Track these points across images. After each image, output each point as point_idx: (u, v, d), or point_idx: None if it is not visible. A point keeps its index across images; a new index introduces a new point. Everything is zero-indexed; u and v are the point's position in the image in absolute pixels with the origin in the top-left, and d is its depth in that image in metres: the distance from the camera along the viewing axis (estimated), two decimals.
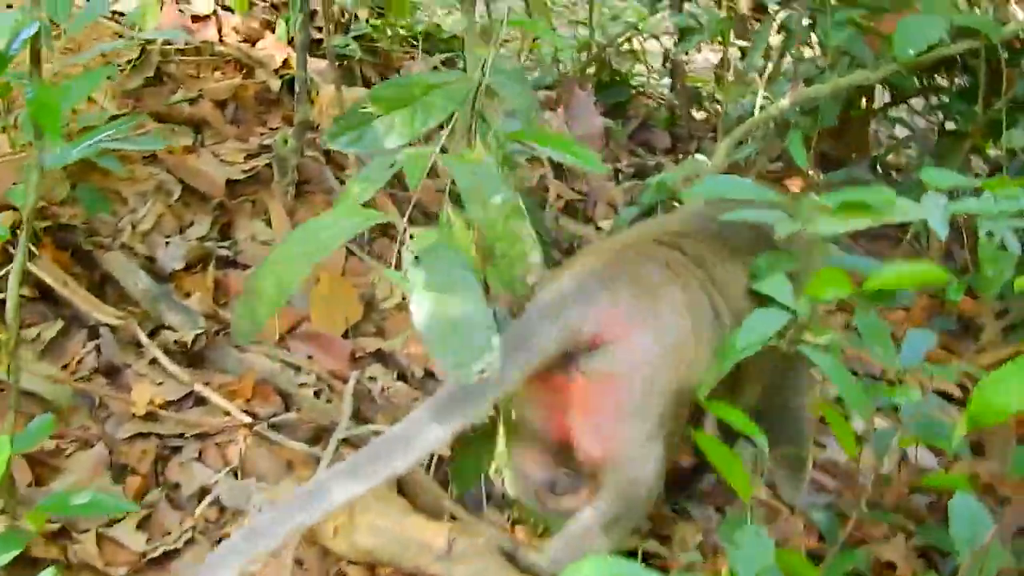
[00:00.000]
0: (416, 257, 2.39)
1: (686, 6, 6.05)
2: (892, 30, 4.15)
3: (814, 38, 5.02)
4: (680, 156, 6.06)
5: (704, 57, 7.42)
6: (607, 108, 6.34)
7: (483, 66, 2.72)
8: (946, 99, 5.10)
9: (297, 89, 3.87)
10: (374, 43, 5.16)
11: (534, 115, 3.97)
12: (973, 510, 2.40)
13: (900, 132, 6.01)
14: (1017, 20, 4.45)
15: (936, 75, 5.18)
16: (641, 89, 6.79)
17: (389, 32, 5.18)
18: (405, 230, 2.42)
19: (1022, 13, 4.71)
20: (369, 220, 2.57)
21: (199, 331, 3.40)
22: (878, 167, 5.73)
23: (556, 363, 2.55)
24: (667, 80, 6.73)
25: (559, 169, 5.14)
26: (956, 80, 5.10)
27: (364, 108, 2.62)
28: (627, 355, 2.56)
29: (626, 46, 6.92)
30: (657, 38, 6.94)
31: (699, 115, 6.55)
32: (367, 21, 5.16)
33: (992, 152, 4.86)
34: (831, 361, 2.57)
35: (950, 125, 5.09)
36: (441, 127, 2.64)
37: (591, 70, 6.39)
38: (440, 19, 6.44)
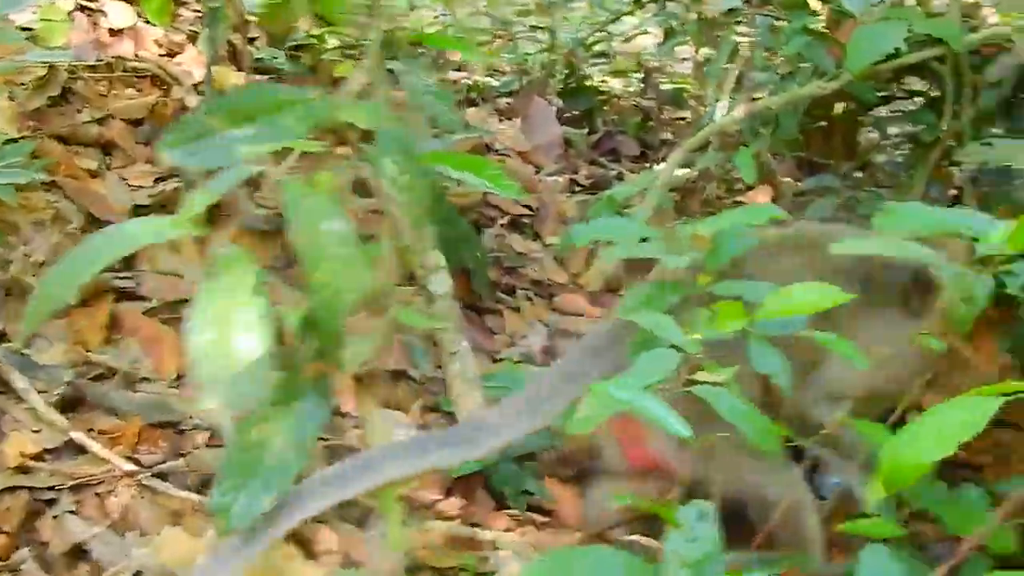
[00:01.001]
0: (208, 270, 2.19)
1: (668, 6, 5.80)
2: (848, 37, 3.93)
3: None
4: (649, 164, 5.84)
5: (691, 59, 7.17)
6: (575, 115, 6.14)
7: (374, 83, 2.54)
8: (912, 108, 4.84)
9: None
10: (319, 55, 4.93)
11: (458, 132, 3.78)
12: (885, 567, 2.20)
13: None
14: (987, 27, 4.18)
15: (901, 82, 4.96)
16: (611, 95, 6.55)
17: (330, 42, 4.94)
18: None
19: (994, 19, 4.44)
20: (171, 230, 2.31)
21: (62, 388, 3.17)
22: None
23: None
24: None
25: None
26: (931, 88, 4.89)
27: (204, 119, 2.40)
28: None
29: (597, 49, 6.72)
30: (628, 40, 6.73)
31: (682, 119, 6.35)
32: (308, 32, 4.93)
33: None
34: (730, 400, 2.34)
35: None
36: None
37: (559, 76, 6.16)
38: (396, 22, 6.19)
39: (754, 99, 4.35)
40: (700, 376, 2.47)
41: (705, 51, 5.54)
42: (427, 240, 3.04)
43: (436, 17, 7.15)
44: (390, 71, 3.45)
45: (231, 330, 2.11)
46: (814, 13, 4.46)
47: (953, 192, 4.85)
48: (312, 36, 4.85)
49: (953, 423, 1.87)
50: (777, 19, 4.64)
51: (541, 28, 6.02)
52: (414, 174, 2.76)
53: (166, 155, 2.35)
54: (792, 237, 2.98)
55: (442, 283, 3.12)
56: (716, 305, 2.50)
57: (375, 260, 2.59)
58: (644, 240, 2.84)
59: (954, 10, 4.00)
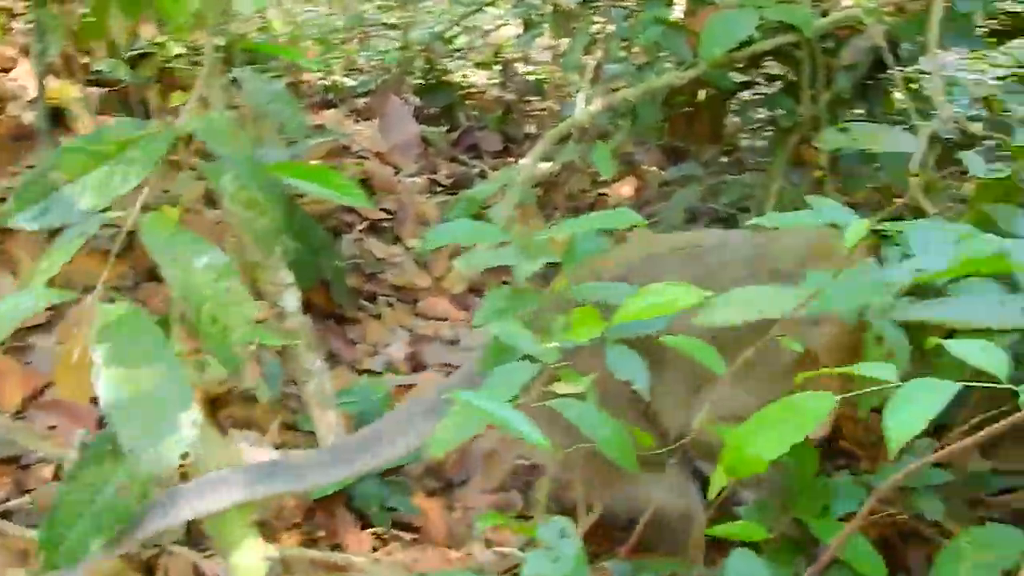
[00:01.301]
0: (100, 332, 2.18)
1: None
2: (703, 26, 3.87)
3: None
4: (512, 159, 5.74)
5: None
6: (434, 112, 6.02)
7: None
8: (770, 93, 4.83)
9: (37, 125, 3.46)
10: (166, 63, 4.75)
11: (308, 138, 3.66)
12: (751, 571, 2.17)
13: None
14: (839, 10, 4.15)
15: (761, 67, 4.94)
16: (472, 89, 6.45)
17: (175, 49, 4.76)
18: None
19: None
20: (39, 301, 2.25)
21: None
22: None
23: None
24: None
25: (364, 184, 4.78)
26: (789, 72, 4.87)
27: (47, 174, 2.32)
28: None
29: (457, 43, 6.63)
30: (488, 34, 6.63)
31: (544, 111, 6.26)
32: (150, 40, 4.73)
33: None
34: (587, 411, 2.29)
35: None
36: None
37: (417, 73, 6.04)
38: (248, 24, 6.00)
39: (613, 91, 4.26)
40: (558, 387, 2.43)
41: (565, 42, 5.47)
42: (277, 255, 2.91)
43: (293, 19, 7.00)
44: (234, 79, 3.32)
45: (146, 388, 2.10)
46: (669, 2, 4.41)
47: (817, 175, 4.85)
48: (154, 44, 4.67)
49: (792, 420, 1.90)
50: (633, 10, 4.57)
51: (396, 26, 5.88)
52: (258, 188, 2.65)
53: (14, 224, 2.32)
54: (683, 245, 2.87)
55: (293, 300, 2.99)
56: (571, 311, 2.44)
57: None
58: (501, 244, 2.75)
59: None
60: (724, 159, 5.56)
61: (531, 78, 6.57)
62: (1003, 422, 1.90)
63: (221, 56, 3.10)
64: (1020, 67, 5.16)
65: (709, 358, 2.35)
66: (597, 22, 4.89)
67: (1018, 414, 1.85)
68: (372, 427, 2.80)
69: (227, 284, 2.31)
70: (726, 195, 4.71)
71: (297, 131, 3.35)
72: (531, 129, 6.08)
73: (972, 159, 3.23)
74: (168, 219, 2.36)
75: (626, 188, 5.37)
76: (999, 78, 5.77)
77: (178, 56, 4.69)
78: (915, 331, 2.36)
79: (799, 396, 1.96)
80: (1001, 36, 4.49)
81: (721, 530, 2.42)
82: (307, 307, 3.75)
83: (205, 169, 2.79)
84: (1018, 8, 4.62)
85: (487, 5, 6.17)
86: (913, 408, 1.74)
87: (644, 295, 2.36)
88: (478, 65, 6.91)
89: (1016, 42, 4.72)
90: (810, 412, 1.90)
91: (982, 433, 1.93)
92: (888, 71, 4.17)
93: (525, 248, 2.67)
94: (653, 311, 2.35)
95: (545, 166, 4.83)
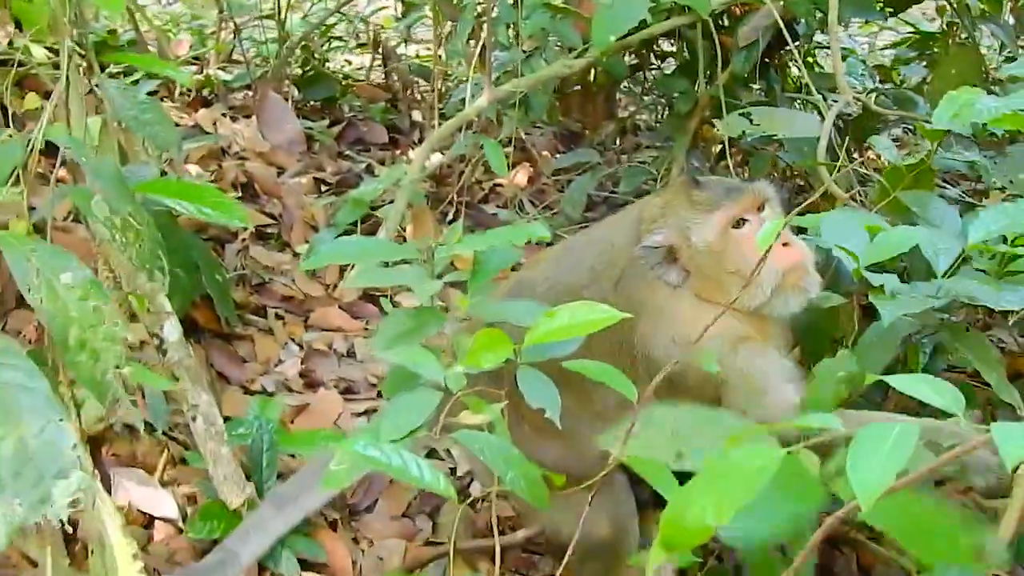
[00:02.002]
0: None
1: None
2: (592, 11, 3.71)
3: None
4: (399, 152, 5.53)
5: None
6: (316, 105, 5.78)
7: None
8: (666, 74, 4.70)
9: None
10: (22, 65, 4.43)
11: (178, 153, 3.43)
12: None
13: None
14: None
15: (653, 48, 4.81)
16: (354, 79, 6.21)
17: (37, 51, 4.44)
18: None
19: None
20: None
21: None
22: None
23: None
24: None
25: (246, 187, 4.55)
26: (683, 51, 4.75)
27: None
28: None
29: (336, 32, 6.37)
30: (366, 21, 6.39)
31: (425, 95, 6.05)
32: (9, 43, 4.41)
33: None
34: (494, 446, 2.15)
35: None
36: None
37: (295, 65, 5.79)
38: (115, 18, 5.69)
39: (501, 82, 4.07)
40: (464, 416, 2.27)
41: (447, 26, 5.28)
42: (155, 279, 2.68)
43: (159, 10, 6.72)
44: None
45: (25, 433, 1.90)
46: None
47: (716, 154, 4.74)
48: (12, 48, 4.36)
49: (735, 479, 1.68)
50: None
51: (271, 15, 5.61)
52: (129, 211, 2.45)
53: None
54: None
55: (173, 329, 2.77)
56: (478, 333, 2.27)
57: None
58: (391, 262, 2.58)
59: None
60: (619, 142, 5.42)
61: (415, 63, 6.35)
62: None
63: (83, 63, 2.87)
64: (914, 33, 5.07)
65: (620, 384, 2.21)
66: (480, 3, 4.68)
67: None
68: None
69: (94, 303, 2.12)
70: (625, 182, 4.55)
71: (169, 142, 3.12)
72: (417, 117, 5.86)
73: (882, 144, 3.14)
74: (23, 233, 2.13)
75: (520, 176, 5.20)
76: (893, 44, 5.70)
77: (41, 64, 4.39)
78: None
79: (740, 451, 1.73)
80: (895, 5, 4.38)
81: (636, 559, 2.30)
82: (191, 325, 3.55)
83: (73, 193, 2.57)
84: None
85: None
86: (876, 463, 1.56)
87: (556, 315, 2.22)
88: (360, 47, 6.67)
89: (912, 10, 4.62)
90: (755, 470, 1.68)
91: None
92: (786, 48, 4.06)
93: (425, 266, 2.50)
94: (566, 332, 2.22)
95: (436, 159, 4.65)
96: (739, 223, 2.57)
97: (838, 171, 3.21)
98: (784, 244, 2.52)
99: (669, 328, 2.57)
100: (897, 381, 1.76)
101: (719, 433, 2.04)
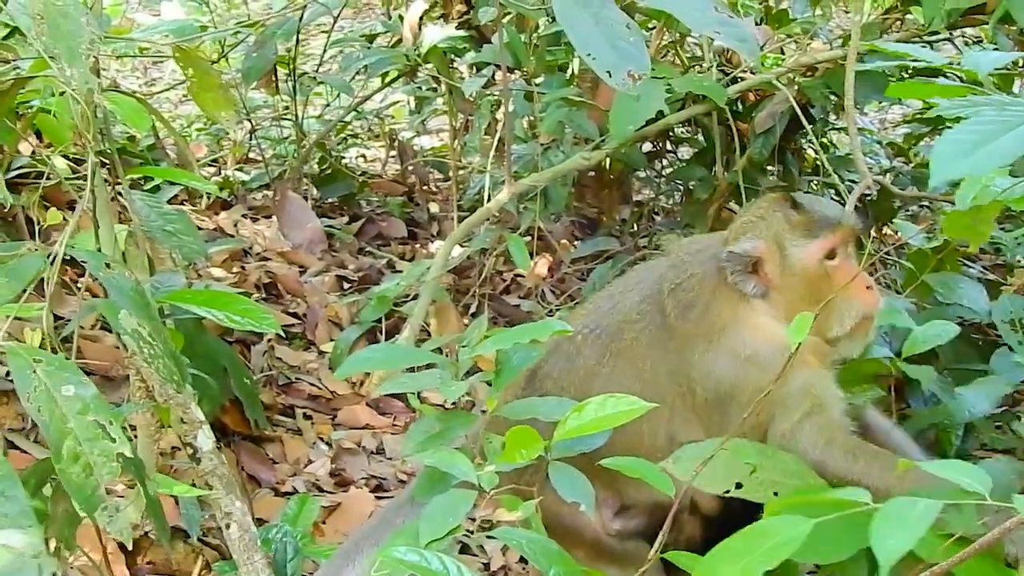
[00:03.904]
0: None
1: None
2: (608, 103, 3.75)
3: None
4: (418, 245, 5.56)
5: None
6: (334, 203, 5.82)
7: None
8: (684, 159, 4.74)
9: None
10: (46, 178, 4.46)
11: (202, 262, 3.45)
12: None
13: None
14: (752, 75, 4.05)
15: (669, 135, 4.85)
16: (370, 175, 6.25)
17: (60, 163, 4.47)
18: None
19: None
20: None
21: None
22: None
23: None
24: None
25: (269, 288, 4.58)
26: (698, 134, 4.79)
27: None
28: None
29: (350, 130, 6.44)
30: (381, 118, 6.45)
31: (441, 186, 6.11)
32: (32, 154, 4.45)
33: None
34: (535, 542, 2.17)
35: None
36: None
37: (312, 164, 5.84)
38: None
39: (517, 176, 4.10)
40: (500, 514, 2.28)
41: (461, 118, 5.33)
42: (187, 392, 2.69)
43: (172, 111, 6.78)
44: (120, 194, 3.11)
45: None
46: (570, 80, 4.29)
47: None
48: (35, 159, 4.40)
49: (761, 548, 1.77)
50: (530, 90, 4.43)
51: (285, 115, 5.66)
52: (154, 321, 2.46)
53: None
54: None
55: (206, 439, 2.77)
56: (508, 432, 2.29)
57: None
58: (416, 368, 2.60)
59: (712, 65, 3.87)
60: (636, 227, 5.44)
61: (430, 155, 6.40)
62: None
63: (107, 175, 2.91)
64: (925, 108, 5.11)
65: (658, 480, 2.24)
66: (495, 97, 4.73)
67: None
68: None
69: (93, 417, 2.10)
70: None
71: (196, 253, 3.15)
72: (435, 210, 5.90)
73: (905, 227, 3.17)
74: (34, 344, 2.15)
75: (540, 267, 5.22)
76: (904, 120, 5.74)
77: (68, 179, 4.43)
78: None
79: (768, 521, 1.83)
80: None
81: None
82: (220, 430, 3.56)
83: (101, 305, 2.59)
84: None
85: (379, 90, 5.98)
86: (899, 531, 1.67)
87: (583, 409, 2.24)
88: (374, 138, 6.73)
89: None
90: (781, 540, 1.77)
91: None
92: (802, 131, 4.09)
93: (450, 367, 2.51)
94: (597, 425, 2.23)
95: (457, 252, 4.67)
96: (831, 253, 2.60)
97: (867, 256, 3.23)
98: (868, 288, 2.58)
99: (735, 342, 2.57)
100: (930, 467, 1.87)
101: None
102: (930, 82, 2.61)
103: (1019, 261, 3.44)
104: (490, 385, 2.52)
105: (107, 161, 2.96)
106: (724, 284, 2.60)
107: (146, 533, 3.11)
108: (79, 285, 2.66)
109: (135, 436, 2.95)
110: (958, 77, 4.68)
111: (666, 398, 2.53)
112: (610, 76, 2.47)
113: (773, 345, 2.38)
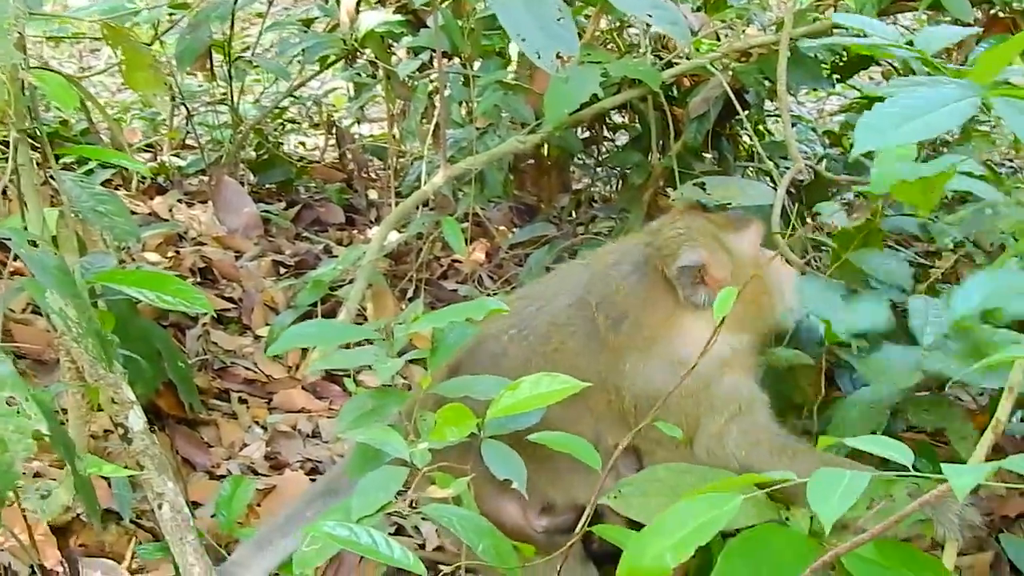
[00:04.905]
0: None
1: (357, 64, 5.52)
2: (544, 87, 3.75)
3: None
4: (356, 231, 5.55)
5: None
6: (271, 188, 5.79)
7: None
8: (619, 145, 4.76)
9: None
10: None
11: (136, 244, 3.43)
12: None
13: None
14: (680, 60, 4.07)
15: (605, 121, 4.87)
16: (308, 160, 6.23)
17: None
18: None
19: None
20: None
21: None
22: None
23: None
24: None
25: (204, 272, 4.56)
26: (634, 121, 4.81)
27: None
28: None
29: (288, 116, 6.42)
30: (319, 104, 6.43)
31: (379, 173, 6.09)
32: None
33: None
34: (465, 518, 2.21)
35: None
36: None
37: (249, 149, 5.81)
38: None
39: (453, 160, 4.10)
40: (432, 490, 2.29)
41: (399, 103, 5.33)
42: (114, 370, 2.67)
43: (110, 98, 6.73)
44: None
45: None
46: (506, 64, 4.29)
47: None
48: None
49: (696, 521, 1.83)
50: (467, 73, 4.44)
51: (223, 100, 5.62)
52: (79, 305, 2.44)
53: None
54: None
55: (137, 418, 2.75)
56: (441, 410, 2.30)
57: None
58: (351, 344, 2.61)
59: (648, 50, 3.89)
60: (574, 214, 5.45)
61: (368, 142, 6.38)
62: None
63: (37, 155, 2.88)
64: (862, 98, 5.15)
65: (584, 453, 2.27)
66: (432, 82, 4.73)
67: None
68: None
69: (9, 394, 2.11)
70: (583, 254, 4.58)
71: (128, 234, 3.12)
72: (373, 196, 5.89)
73: (830, 209, 3.20)
74: None
75: (478, 252, 5.23)
76: (841, 109, 5.79)
77: None
78: None
79: (703, 495, 1.86)
80: (842, 71, 4.46)
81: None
82: (155, 413, 3.55)
83: (27, 284, 2.56)
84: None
85: (316, 75, 5.96)
86: (833, 497, 1.73)
87: (517, 388, 2.26)
88: (313, 127, 6.72)
89: (858, 77, 4.72)
90: (713, 515, 1.82)
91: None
92: (737, 117, 4.11)
93: (385, 345, 2.52)
94: (528, 404, 2.25)
95: (394, 237, 4.66)
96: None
97: (792, 237, 3.26)
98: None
99: (668, 350, 2.61)
100: (855, 441, 1.90)
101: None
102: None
103: (948, 246, 3.47)
104: (425, 368, 2.53)
105: (37, 144, 2.93)
106: (653, 295, 2.64)
107: (78, 515, 3.09)
108: (5, 266, 2.62)
109: (67, 419, 2.91)
110: (892, 66, 4.76)
111: (594, 403, 2.56)
112: (539, 58, 2.48)
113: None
